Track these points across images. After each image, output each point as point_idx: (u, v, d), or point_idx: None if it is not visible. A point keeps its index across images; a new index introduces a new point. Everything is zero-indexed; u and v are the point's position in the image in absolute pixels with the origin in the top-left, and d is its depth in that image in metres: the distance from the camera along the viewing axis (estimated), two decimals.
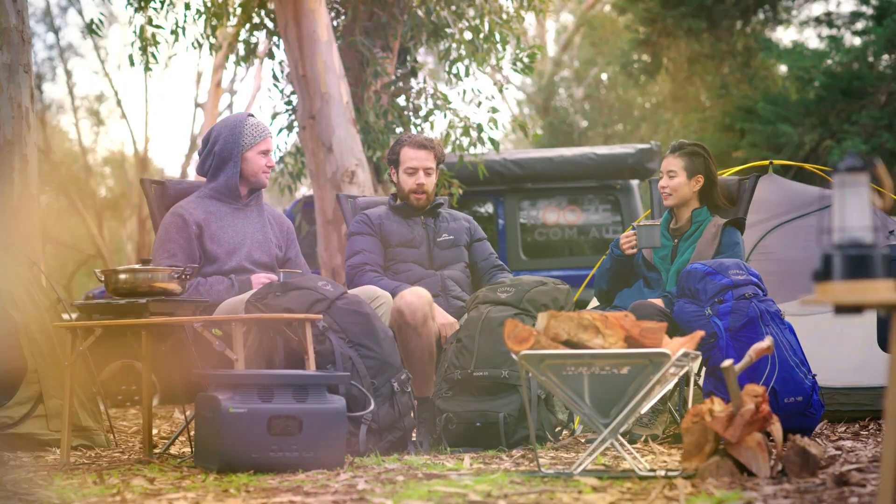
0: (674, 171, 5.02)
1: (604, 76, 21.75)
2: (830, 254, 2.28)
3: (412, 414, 4.46)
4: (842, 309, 2.27)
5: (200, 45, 9.27)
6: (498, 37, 9.07)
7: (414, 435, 4.65)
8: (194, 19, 9.07)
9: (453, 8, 9.18)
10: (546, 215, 9.61)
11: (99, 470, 4.00)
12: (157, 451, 4.73)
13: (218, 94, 22.16)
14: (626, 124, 20.99)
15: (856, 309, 2.26)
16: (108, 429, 5.22)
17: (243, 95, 34.09)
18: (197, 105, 23.59)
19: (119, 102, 28.14)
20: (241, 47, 9.59)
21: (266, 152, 4.82)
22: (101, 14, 8.67)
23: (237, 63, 9.71)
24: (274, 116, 9.62)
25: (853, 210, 2.27)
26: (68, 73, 24.54)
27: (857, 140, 13.07)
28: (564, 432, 4.88)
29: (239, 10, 9.34)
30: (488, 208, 9.59)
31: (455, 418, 4.55)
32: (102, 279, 4.25)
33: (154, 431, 6.02)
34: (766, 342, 3.57)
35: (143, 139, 29.48)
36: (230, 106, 23.11)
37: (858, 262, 2.25)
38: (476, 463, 3.98)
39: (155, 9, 8.64)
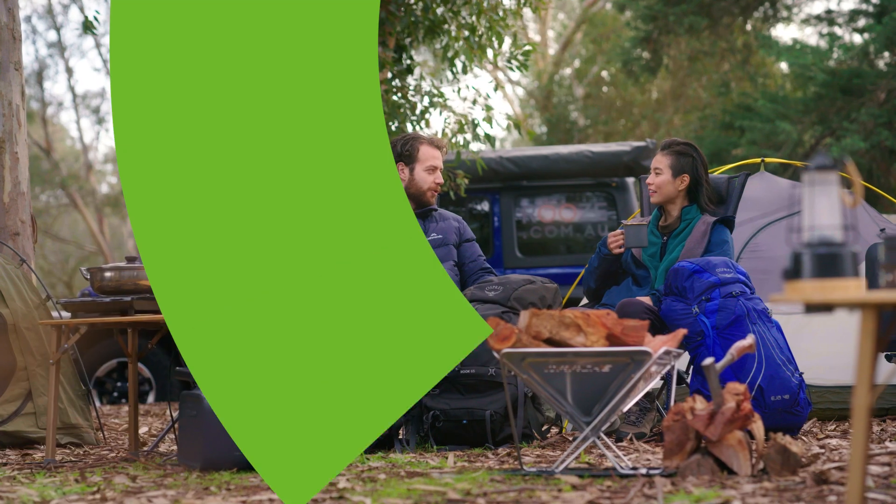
0: (660, 168, 5.00)
1: (604, 74, 21.73)
2: (800, 252, 2.27)
3: None
4: (812, 307, 2.26)
5: None
6: (491, 32, 9.05)
7: (401, 433, 4.65)
8: None
9: (449, 5, 9.17)
10: (542, 213, 9.60)
11: (83, 468, 4.00)
12: (145, 448, 4.73)
13: None
14: (626, 122, 20.98)
15: (825, 307, 2.25)
16: (98, 426, 5.22)
17: None
18: None
19: None
20: None
21: None
22: (97, 12, 8.65)
23: None
24: None
25: (823, 209, 2.27)
26: (69, 71, 24.55)
27: (856, 137, 13.06)
28: (553, 430, 4.88)
29: None
30: (484, 206, 9.58)
31: (442, 416, 4.55)
32: (88, 277, 4.25)
33: (145, 430, 6.02)
34: (748, 340, 3.56)
35: None
36: None
37: (828, 261, 2.24)
38: (461, 461, 3.97)
39: None
